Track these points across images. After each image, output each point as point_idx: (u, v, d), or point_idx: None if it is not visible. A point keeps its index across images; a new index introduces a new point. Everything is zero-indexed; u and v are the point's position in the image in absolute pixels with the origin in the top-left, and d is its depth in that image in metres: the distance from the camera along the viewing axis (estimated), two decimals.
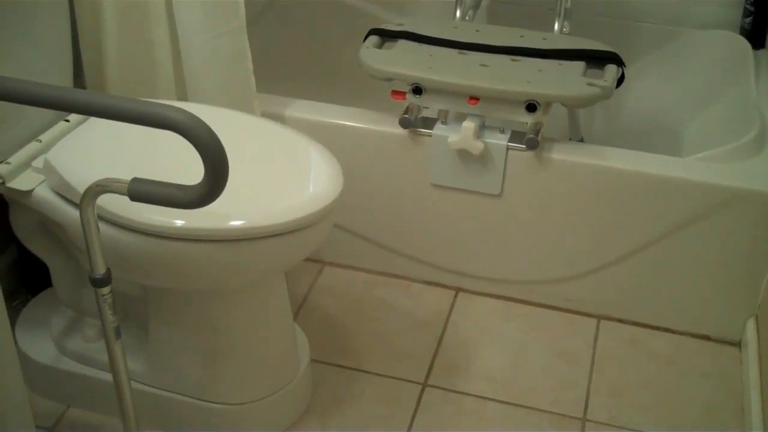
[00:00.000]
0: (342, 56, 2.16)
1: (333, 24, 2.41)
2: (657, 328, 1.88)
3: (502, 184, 1.80)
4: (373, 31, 1.89)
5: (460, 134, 1.75)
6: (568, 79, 1.74)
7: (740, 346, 1.84)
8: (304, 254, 1.44)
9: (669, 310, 1.87)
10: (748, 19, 2.14)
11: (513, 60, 1.81)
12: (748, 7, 2.13)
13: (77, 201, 1.16)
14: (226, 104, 1.65)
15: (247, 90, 1.72)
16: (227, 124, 1.33)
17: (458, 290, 1.96)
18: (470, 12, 2.16)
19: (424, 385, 1.74)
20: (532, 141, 1.73)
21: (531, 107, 1.71)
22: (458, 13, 2.09)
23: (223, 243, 1.31)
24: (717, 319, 1.85)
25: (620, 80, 1.82)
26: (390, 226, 1.94)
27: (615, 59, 1.82)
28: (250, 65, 1.71)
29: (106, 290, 1.20)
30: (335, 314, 1.90)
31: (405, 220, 1.91)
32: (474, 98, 1.73)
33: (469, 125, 1.74)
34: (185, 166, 1.11)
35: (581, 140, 2.12)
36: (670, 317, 1.87)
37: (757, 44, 2.14)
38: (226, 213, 1.29)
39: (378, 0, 2.38)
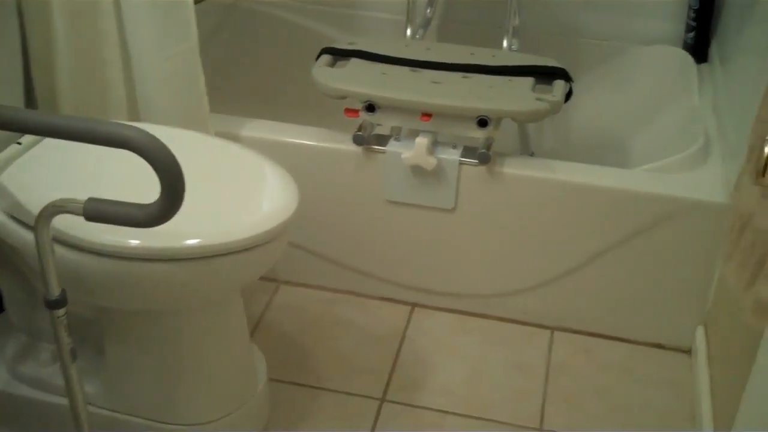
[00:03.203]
0: (295, 75, 2.17)
1: (285, 43, 2.43)
2: (610, 338, 1.91)
3: (456, 198, 1.82)
4: (326, 50, 1.91)
5: (414, 150, 1.77)
6: (518, 95, 1.78)
7: (690, 353, 1.88)
8: (260, 272, 1.44)
9: (621, 319, 1.90)
10: (691, 34, 2.20)
11: (464, 77, 1.84)
12: (691, 22, 2.19)
13: (31, 223, 1.15)
14: (180, 124, 1.65)
15: (200, 110, 1.73)
16: (181, 144, 1.32)
17: (414, 306, 1.98)
18: (420, 30, 2.19)
19: (382, 401, 1.74)
20: (483, 156, 1.76)
21: (482, 123, 1.74)
22: (409, 32, 2.11)
23: (178, 262, 1.30)
24: (668, 328, 1.89)
25: (568, 95, 1.85)
26: (345, 243, 1.94)
27: (563, 75, 1.86)
28: (203, 85, 1.72)
29: (61, 312, 1.19)
30: (292, 332, 1.90)
31: (360, 237, 1.93)
32: (426, 115, 1.76)
33: (422, 141, 1.76)
34: (140, 185, 1.11)
35: (531, 154, 2.16)
36: (623, 327, 1.91)
37: (699, 58, 2.20)
38: (182, 231, 1.29)
39: (329, 19, 2.40)
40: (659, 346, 1.90)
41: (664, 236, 1.78)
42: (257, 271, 1.43)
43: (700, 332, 1.85)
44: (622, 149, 2.20)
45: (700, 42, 2.20)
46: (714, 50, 2.18)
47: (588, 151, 2.22)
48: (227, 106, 1.88)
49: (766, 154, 0.78)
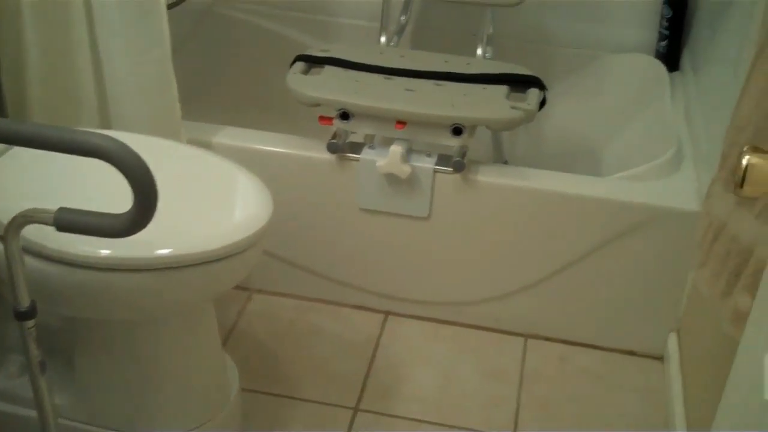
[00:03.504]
0: (268, 82, 2.15)
1: (258, 50, 2.41)
2: (584, 345, 1.92)
3: (430, 206, 1.82)
4: (300, 58, 1.90)
5: (388, 158, 1.76)
6: (493, 103, 1.78)
7: (663, 360, 1.89)
8: (234, 281, 1.42)
9: (595, 327, 1.91)
10: (663, 43, 2.22)
11: (438, 84, 1.83)
12: (663, 31, 2.21)
13: (0, 233, 1.13)
14: (151, 132, 1.63)
15: (172, 118, 1.71)
16: (153, 152, 1.30)
17: (387, 314, 1.97)
18: (395, 37, 2.19)
19: (356, 410, 1.73)
20: (458, 164, 1.75)
21: (457, 131, 1.73)
22: (383, 39, 2.11)
23: (151, 272, 1.29)
24: (640, 335, 1.90)
25: (542, 103, 1.86)
26: (319, 252, 1.93)
27: (537, 83, 1.86)
28: (176, 93, 1.70)
29: (30, 324, 1.17)
30: (265, 341, 1.89)
31: (334, 245, 1.92)
32: (401, 122, 1.75)
33: (396, 149, 1.75)
34: (112, 195, 1.09)
35: (505, 162, 2.16)
36: (596, 334, 1.91)
37: (671, 67, 2.21)
38: (154, 241, 1.27)
39: (303, 26, 2.39)
40: (632, 353, 1.91)
41: (636, 244, 1.79)
42: (231, 281, 1.41)
43: (672, 339, 1.86)
44: (594, 156, 2.21)
45: (672, 50, 2.22)
46: (686, 59, 2.20)
47: (561, 158, 2.23)
48: (200, 113, 1.86)
49: (743, 166, 0.78)
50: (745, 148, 0.79)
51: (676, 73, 2.21)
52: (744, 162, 0.78)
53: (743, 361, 0.88)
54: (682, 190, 1.78)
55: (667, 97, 2.09)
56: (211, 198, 1.42)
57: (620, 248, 1.80)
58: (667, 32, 2.21)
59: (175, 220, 1.32)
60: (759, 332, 0.85)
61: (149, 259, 1.27)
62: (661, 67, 2.20)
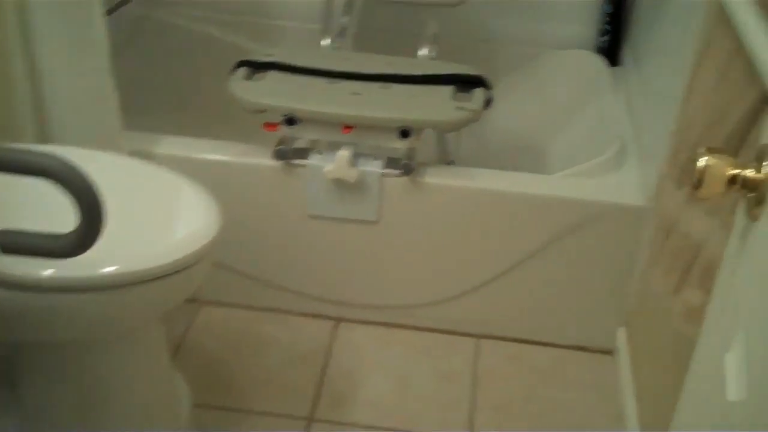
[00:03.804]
0: (211, 88, 2.11)
1: (199, 55, 2.37)
2: (536, 343, 1.92)
3: (379, 210, 1.80)
4: (242, 63, 1.86)
5: (335, 163, 1.74)
6: (439, 104, 1.77)
7: (613, 354, 1.90)
8: (184, 297, 1.39)
9: (546, 324, 1.91)
10: (604, 38, 2.24)
11: (383, 87, 1.82)
12: (603, 26, 2.23)
13: None
14: (91, 144, 1.59)
15: (113, 128, 1.66)
16: (95, 166, 1.27)
17: (339, 320, 1.95)
18: (337, 39, 2.17)
19: (311, 420, 1.71)
20: (406, 166, 1.74)
21: (404, 133, 1.72)
22: (326, 42, 2.08)
23: (96, 292, 1.25)
24: (590, 330, 1.91)
25: (488, 102, 1.85)
26: (268, 260, 1.90)
27: (482, 82, 1.86)
28: (116, 102, 1.66)
29: None
30: (215, 354, 1.85)
31: (283, 253, 1.89)
32: (348, 127, 1.73)
33: (343, 154, 1.74)
34: (53, 214, 1.05)
35: (451, 162, 2.16)
36: (548, 331, 1.92)
37: (613, 62, 2.23)
38: (99, 260, 1.23)
39: (244, 30, 2.36)
40: (582, 348, 1.92)
41: (584, 240, 1.80)
42: (180, 297, 1.38)
43: (621, 333, 1.87)
44: (540, 153, 2.22)
45: (612, 45, 2.24)
46: (626, 53, 2.22)
47: (506, 155, 2.23)
48: (141, 122, 1.82)
49: (700, 167, 0.77)
50: (701, 150, 0.79)
51: (617, 68, 2.23)
52: (701, 163, 0.78)
53: (702, 360, 0.89)
54: (627, 186, 1.80)
55: (609, 92, 2.11)
56: (157, 212, 1.38)
57: (568, 245, 1.81)
58: (607, 28, 2.23)
59: (120, 236, 1.28)
60: (717, 332, 0.85)
61: (94, 279, 1.23)
62: (602, 63, 2.22)
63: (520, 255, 1.83)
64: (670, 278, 1.18)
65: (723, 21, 1.19)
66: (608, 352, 1.91)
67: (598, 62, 2.22)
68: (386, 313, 1.93)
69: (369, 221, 1.82)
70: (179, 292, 1.36)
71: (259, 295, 1.94)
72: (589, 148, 1.98)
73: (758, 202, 0.75)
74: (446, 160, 2.15)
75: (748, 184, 0.76)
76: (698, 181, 0.78)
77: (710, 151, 0.79)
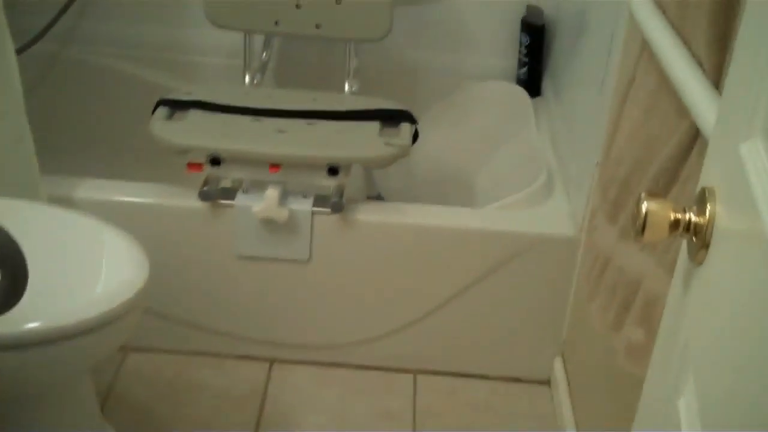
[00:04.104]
0: (130, 127, 2.06)
1: (116, 93, 2.30)
2: (472, 376, 1.92)
3: (310, 249, 1.77)
4: (162, 102, 1.82)
5: (264, 203, 1.71)
6: (366, 141, 1.75)
7: (550, 385, 1.91)
8: (113, 350, 1.34)
9: (482, 357, 1.91)
10: (524, 70, 2.26)
11: (309, 124, 1.80)
12: (523, 58, 2.25)
13: None
14: (8, 191, 1.52)
15: (30, 174, 1.60)
16: (14, 218, 1.21)
17: (273, 361, 1.91)
18: (258, 75, 2.14)
19: None
20: (336, 204, 1.72)
21: (333, 171, 1.70)
22: (248, 78, 2.05)
23: (19, 350, 1.19)
24: (527, 361, 1.91)
25: (415, 137, 1.85)
26: (197, 303, 1.85)
27: (408, 117, 1.85)
28: (32, 146, 1.59)
29: None
30: (146, 402, 1.79)
31: (213, 296, 1.84)
32: (275, 166, 1.70)
33: (272, 193, 1.70)
34: None
35: (378, 196, 2.14)
36: (484, 364, 1.91)
37: (533, 92, 2.26)
38: (21, 316, 1.17)
39: (162, 66, 2.30)
40: (519, 380, 1.92)
41: (517, 272, 1.80)
42: (109, 351, 1.33)
43: (558, 363, 1.88)
44: (467, 184, 2.23)
45: (533, 76, 2.26)
46: (546, 84, 2.25)
47: (434, 187, 2.23)
48: (59, 165, 1.76)
49: (642, 213, 0.77)
50: (642, 195, 0.79)
51: (538, 99, 2.25)
52: (643, 209, 0.77)
53: (651, 404, 0.88)
54: (556, 217, 1.81)
55: (532, 122, 2.13)
56: (81, 263, 1.33)
57: (501, 277, 1.81)
58: (526, 59, 2.25)
59: (44, 290, 1.23)
60: (664, 374, 0.85)
61: (16, 336, 1.18)
62: (523, 93, 2.24)
63: (454, 289, 1.82)
64: (608, 314, 1.19)
65: (647, 55, 1.20)
66: (545, 382, 1.91)
67: (520, 93, 2.24)
68: (322, 353, 1.90)
69: (300, 260, 1.79)
70: (108, 345, 1.31)
71: (189, 338, 1.89)
72: (516, 179, 1.99)
73: (702, 246, 0.75)
74: (373, 193, 2.13)
75: (691, 229, 0.76)
76: (641, 226, 0.78)
77: (650, 195, 0.79)
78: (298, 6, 1.94)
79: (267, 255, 1.78)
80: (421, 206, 1.82)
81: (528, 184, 1.89)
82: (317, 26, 1.96)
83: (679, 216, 0.77)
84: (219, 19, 1.97)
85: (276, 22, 1.96)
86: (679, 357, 0.80)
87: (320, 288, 1.83)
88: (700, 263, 0.77)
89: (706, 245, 0.75)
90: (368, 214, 1.77)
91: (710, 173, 0.79)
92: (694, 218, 0.76)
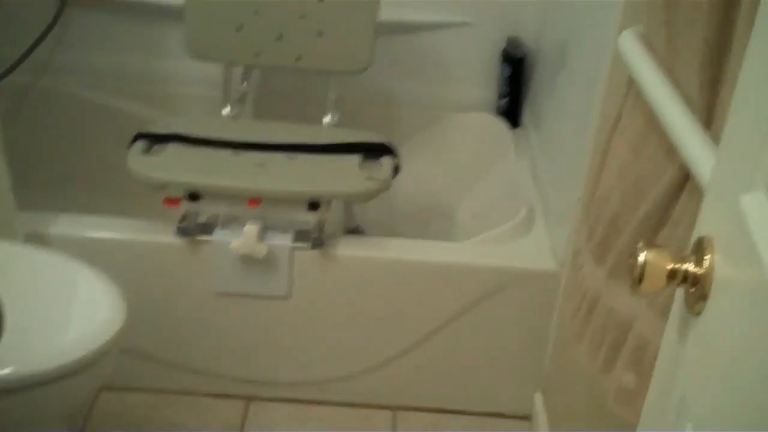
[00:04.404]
0: (106, 161, 2.02)
1: (93, 125, 2.25)
2: (452, 412, 1.89)
3: (290, 285, 1.74)
4: (140, 135, 1.79)
5: (243, 239, 1.68)
6: (347, 175, 1.73)
7: (530, 420, 1.89)
8: (91, 394, 1.30)
9: (463, 392, 1.88)
10: (504, 101, 2.26)
11: (289, 157, 1.77)
12: (503, 89, 2.25)
13: None
14: None
15: (5, 210, 1.56)
16: None
17: (251, 399, 1.87)
18: (237, 105, 2.11)
19: None
20: (317, 240, 1.70)
21: (313, 205, 1.68)
22: (227, 110, 2.02)
23: None
24: (507, 396, 1.89)
25: (396, 170, 1.83)
26: (173, 341, 1.81)
27: (388, 150, 1.83)
28: (7, 182, 1.56)
29: None
30: None
31: (189, 333, 1.80)
32: (254, 200, 1.68)
33: (251, 229, 1.68)
34: None
35: (357, 228, 2.12)
36: (465, 399, 1.89)
37: (513, 123, 2.25)
38: None
39: (140, 97, 2.26)
40: (499, 415, 1.90)
41: (498, 306, 1.78)
42: (86, 395, 1.29)
43: (538, 398, 1.86)
44: (448, 217, 2.21)
45: (512, 107, 2.26)
46: (526, 115, 2.24)
47: (414, 219, 2.22)
48: (35, 200, 1.71)
49: (640, 263, 0.76)
50: (639, 244, 0.77)
51: (518, 130, 2.25)
52: (641, 259, 0.76)
53: None
54: (537, 251, 1.80)
55: (512, 154, 2.12)
56: (56, 306, 1.29)
57: (482, 311, 1.79)
58: (506, 90, 2.25)
59: (18, 334, 1.18)
60: (660, 423, 0.83)
61: None
62: (503, 125, 2.24)
63: (435, 323, 1.80)
64: (598, 356, 1.17)
65: (634, 93, 1.19)
66: (525, 417, 1.89)
67: (500, 124, 2.24)
68: (300, 390, 1.87)
69: (279, 296, 1.76)
70: (87, 389, 1.27)
71: (164, 377, 1.84)
72: (496, 212, 1.98)
73: (701, 297, 0.74)
74: (352, 225, 2.11)
75: (689, 279, 0.75)
76: (639, 276, 0.76)
77: (648, 245, 0.77)
78: (279, 38, 1.92)
79: (245, 291, 1.75)
80: (402, 241, 1.80)
81: (509, 217, 1.87)
82: (298, 58, 1.94)
83: (677, 266, 0.75)
84: (199, 51, 1.94)
85: (257, 54, 1.94)
86: (676, 409, 0.78)
87: (299, 324, 1.80)
88: (698, 314, 0.75)
89: (704, 296, 0.74)
90: (348, 249, 1.75)
91: (708, 223, 0.77)
92: (692, 268, 0.75)
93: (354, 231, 2.07)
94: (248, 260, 1.71)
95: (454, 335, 1.81)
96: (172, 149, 1.76)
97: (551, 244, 1.81)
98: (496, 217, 1.92)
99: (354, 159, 1.79)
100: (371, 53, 1.94)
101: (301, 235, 1.72)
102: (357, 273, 1.76)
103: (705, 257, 0.74)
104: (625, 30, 1.27)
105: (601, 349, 1.17)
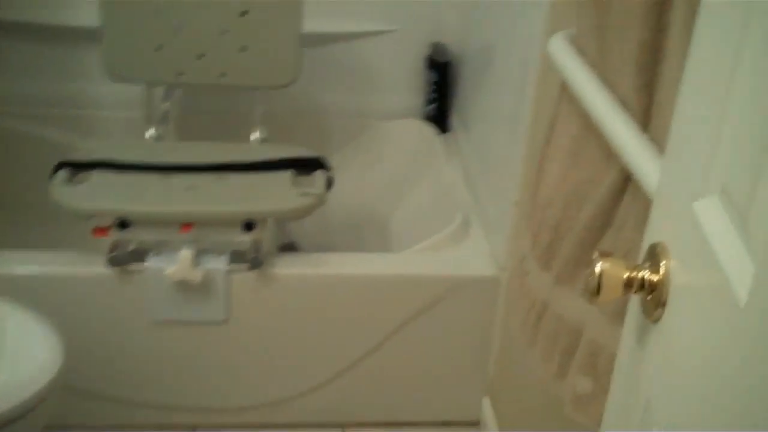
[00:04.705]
0: (28, 190, 1.94)
1: (13, 154, 2.16)
2: (402, 424, 1.87)
3: (228, 308, 1.70)
4: (63, 164, 1.72)
5: (177, 265, 1.63)
6: (281, 192, 1.70)
7: (479, 426, 1.88)
8: None
9: (410, 403, 1.87)
10: (431, 107, 2.25)
11: (220, 178, 1.73)
12: (429, 95, 2.24)
13: None
14: None
15: None
16: None
17: (196, 428, 1.82)
18: (161, 126, 2.05)
19: None
20: (254, 261, 1.66)
21: (248, 226, 1.64)
22: (151, 132, 1.97)
23: None
24: (456, 403, 1.88)
25: (329, 184, 1.81)
26: (111, 374, 1.75)
27: (321, 164, 1.81)
28: None
29: None
30: None
31: (129, 365, 1.74)
32: (187, 225, 1.63)
33: (185, 254, 1.63)
34: None
35: (291, 243, 2.09)
36: (413, 410, 1.88)
37: (442, 129, 2.25)
38: None
39: (59, 123, 2.18)
40: (449, 423, 1.89)
41: (440, 314, 1.77)
42: None
43: (486, 403, 1.86)
44: (382, 226, 2.19)
45: (440, 113, 2.26)
46: (455, 120, 2.24)
47: (348, 231, 2.19)
48: None
49: (597, 273, 0.75)
50: (595, 255, 0.76)
51: (447, 135, 2.25)
52: (597, 269, 0.75)
53: None
54: (476, 257, 1.80)
55: (443, 160, 2.11)
56: None
57: (425, 321, 1.78)
58: (434, 96, 2.24)
59: None
60: (625, 427, 0.83)
61: None
62: (432, 131, 2.23)
63: (379, 337, 1.78)
64: (551, 363, 1.16)
65: (568, 98, 1.19)
66: (474, 423, 1.88)
67: (428, 130, 2.23)
68: (246, 414, 1.82)
69: (218, 321, 1.71)
70: None
71: (105, 412, 1.78)
72: (432, 219, 1.97)
73: (659, 304, 0.73)
74: (285, 241, 2.08)
75: (646, 286, 0.74)
76: (596, 287, 0.76)
77: (603, 255, 0.77)
78: (201, 55, 1.88)
79: (183, 318, 1.70)
80: (341, 255, 1.78)
81: (444, 223, 1.87)
82: (222, 75, 1.90)
83: (633, 274, 0.75)
84: (118, 74, 1.89)
85: (179, 73, 1.89)
86: (641, 414, 0.78)
87: (241, 348, 1.76)
88: (657, 320, 0.75)
89: (663, 303, 0.73)
90: (286, 268, 1.71)
91: (660, 230, 0.77)
92: (648, 276, 0.74)
93: (288, 247, 2.04)
94: (184, 286, 1.66)
95: (398, 346, 1.79)
96: (98, 176, 1.70)
97: (489, 248, 1.81)
98: (431, 225, 1.91)
99: (286, 175, 1.76)
100: (298, 66, 1.91)
101: (237, 257, 1.68)
102: (296, 291, 1.73)
103: (660, 264, 0.73)
104: (554, 34, 1.27)
105: (554, 355, 1.17)
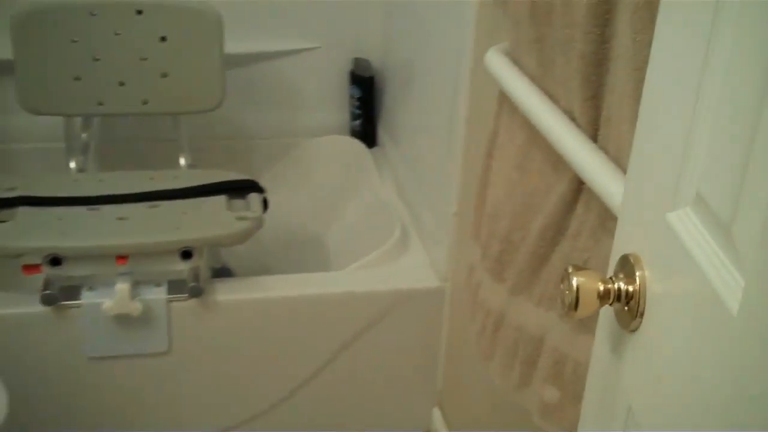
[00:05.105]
0: None
1: None
2: None
3: (169, 339, 1.66)
4: None
5: (115, 299, 1.58)
6: (216, 218, 1.67)
7: None
8: None
9: (360, 416, 1.86)
10: (358, 122, 2.25)
11: (151, 207, 1.69)
12: (355, 110, 2.24)
13: None
14: None
15: None
16: None
17: None
18: (81, 157, 1.99)
19: None
20: (194, 289, 1.62)
21: (186, 254, 1.61)
22: (73, 164, 1.91)
23: None
24: (406, 414, 1.88)
25: (265, 206, 1.78)
26: (51, 415, 1.68)
27: (254, 187, 1.78)
28: None
29: None
30: None
31: (70, 404, 1.68)
32: (122, 257, 1.59)
33: (122, 287, 1.58)
34: None
35: (224, 268, 2.05)
36: (363, 424, 1.86)
37: (370, 143, 2.24)
38: None
39: None
40: None
41: (385, 329, 1.77)
42: None
43: (436, 413, 1.86)
44: (318, 244, 2.18)
45: (367, 127, 2.25)
46: (382, 134, 2.24)
47: (284, 252, 2.17)
48: None
49: (575, 288, 0.75)
50: (569, 270, 0.77)
51: (375, 149, 2.24)
52: (574, 284, 0.75)
53: None
54: (417, 269, 1.80)
55: (374, 174, 2.11)
56: None
57: (371, 336, 1.77)
58: (359, 111, 2.24)
59: None
60: None
61: None
62: (360, 145, 2.23)
63: (325, 356, 1.77)
64: (512, 373, 1.17)
65: (509, 108, 1.20)
66: None
67: (357, 145, 2.23)
68: None
69: (159, 352, 1.67)
70: None
71: None
72: (368, 234, 1.97)
73: (637, 314, 0.74)
74: (218, 265, 2.03)
75: (622, 297, 0.75)
76: (574, 302, 0.76)
77: (576, 269, 0.77)
78: (122, 83, 1.83)
79: (123, 352, 1.65)
80: (280, 277, 1.76)
81: (381, 238, 1.86)
82: (144, 102, 1.85)
83: (608, 286, 0.75)
84: (34, 106, 1.82)
85: (99, 103, 1.84)
86: (623, 420, 0.79)
87: (185, 378, 1.72)
88: (635, 330, 0.75)
89: (641, 312, 0.74)
90: (226, 294, 1.68)
91: (630, 241, 0.78)
92: (623, 286, 0.75)
93: (221, 272, 2.00)
94: (123, 320, 1.61)
95: (346, 363, 1.78)
96: (23, 213, 1.63)
97: (430, 260, 1.81)
98: (368, 240, 1.91)
99: (220, 200, 1.73)
100: (221, 89, 1.88)
101: (175, 286, 1.64)
102: (238, 317, 1.70)
103: (636, 275, 0.74)
104: (490, 48, 1.27)
105: (514, 365, 1.17)
